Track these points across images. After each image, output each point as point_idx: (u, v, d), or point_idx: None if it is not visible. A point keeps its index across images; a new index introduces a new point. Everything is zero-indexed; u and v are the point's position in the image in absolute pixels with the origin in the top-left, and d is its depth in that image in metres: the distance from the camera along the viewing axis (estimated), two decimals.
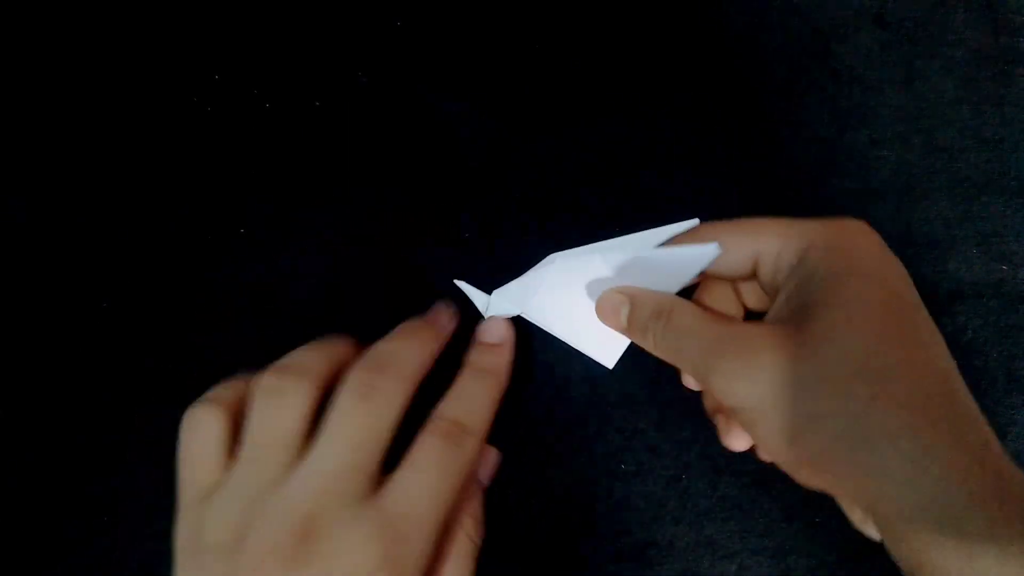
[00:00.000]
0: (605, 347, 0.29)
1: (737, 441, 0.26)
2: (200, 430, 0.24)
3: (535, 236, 0.30)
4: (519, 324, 0.30)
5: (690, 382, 0.28)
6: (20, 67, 0.33)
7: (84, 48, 0.33)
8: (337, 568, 0.20)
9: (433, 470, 0.23)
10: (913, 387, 0.19)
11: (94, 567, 0.29)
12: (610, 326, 0.27)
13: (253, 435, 0.23)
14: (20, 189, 0.32)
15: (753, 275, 0.24)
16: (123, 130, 0.32)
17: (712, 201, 0.32)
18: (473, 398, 0.25)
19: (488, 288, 0.30)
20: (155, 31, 0.33)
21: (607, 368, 0.30)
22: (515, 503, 0.28)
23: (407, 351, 0.25)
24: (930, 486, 0.18)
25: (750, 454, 0.26)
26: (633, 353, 0.30)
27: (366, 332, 0.26)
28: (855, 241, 0.22)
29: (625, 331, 0.27)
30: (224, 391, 0.24)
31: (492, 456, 0.27)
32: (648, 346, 0.25)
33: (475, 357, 0.27)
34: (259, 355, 0.26)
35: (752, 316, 0.27)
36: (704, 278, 0.28)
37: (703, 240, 0.24)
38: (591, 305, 0.29)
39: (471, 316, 0.29)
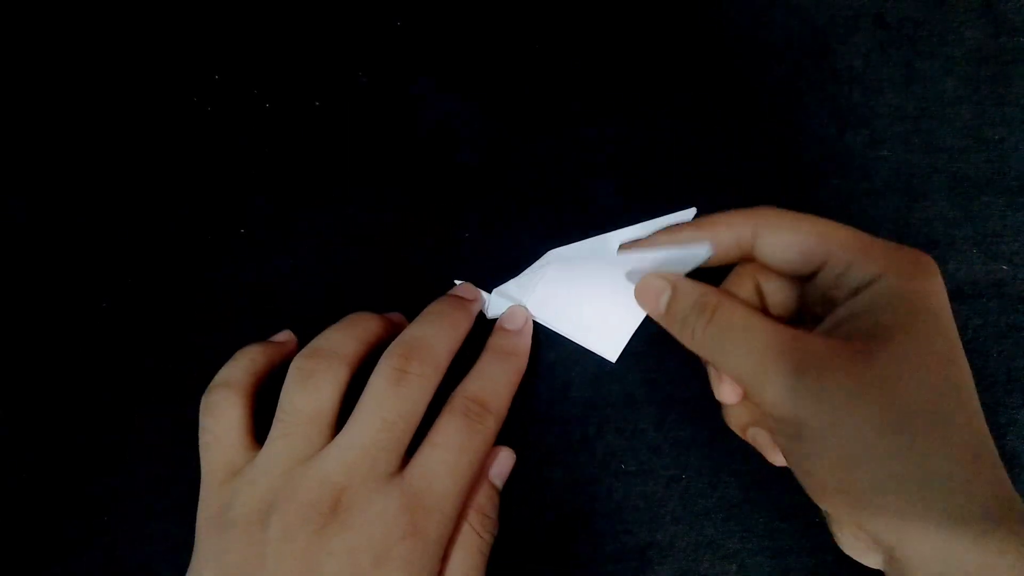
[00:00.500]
0: (607, 340, 0.29)
1: (728, 394, 0.26)
2: (220, 417, 0.24)
3: (535, 235, 0.30)
4: None
5: (725, 391, 0.26)
6: (20, 67, 0.33)
7: (84, 48, 0.33)
8: (365, 537, 0.22)
9: (454, 447, 0.24)
10: (968, 431, 0.20)
11: (94, 567, 0.29)
12: (648, 311, 0.27)
13: (285, 415, 0.24)
14: (20, 189, 0.32)
15: (808, 276, 0.24)
16: (123, 130, 0.32)
17: (712, 201, 0.32)
18: (494, 379, 0.26)
19: (488, 288, 0.30)
20: (155, 31, 0.33)
21: (610, 362, 0.30)
22: (515, 503, 0.28)
23: (438, 336, 0.25)
24: (961, 548, 0.19)
25: (751, 454, 0.26)
26: (634, 353, 0.30)
27: None
28: (928, 279, 0.22)
29: (663, 319, 0.26)
30: (237, 372, 0.25)
31: (506, 456, 0.27)
32: (686, 340, 0.25)
33: (496, 341, 0.28)
34: None
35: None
36: (738, 266, 0.27)
37: (791, 222, 0.24)
38: (591, 299, 0.29)
39: None
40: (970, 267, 0.31)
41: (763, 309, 0.26)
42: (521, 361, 0.28)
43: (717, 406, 0.27)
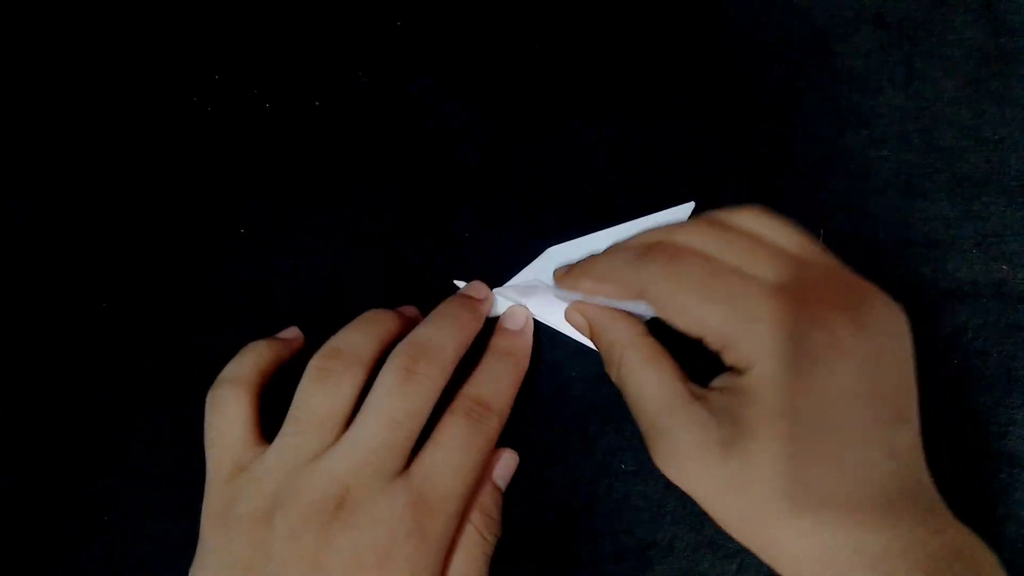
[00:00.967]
0: None
1: None
2: (226, 413, 0.25)
3: (535, 236, 0.30)
4: None
5: None
6: (20, 67, 0.33)
7: (84, 48, 0.33)
8: (370, 537, 0.22)
9: (457, 447, 0.24)
10: (812, 521, 0.20)
11: (94, 567, 0.29)
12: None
13: (300, 414, 0.24)
14: (20, 189, 0.32)
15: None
16: (123, 130, 0.32)
17: (712, 201, 0.32)
18: (496, 379, 0.26)
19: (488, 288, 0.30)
20: (155, 31, 0.33)
21: None
22: (515, 503, 0.28)
23: (446, 336, 0.25)
24: None
25: None
26: None
27: None
28: (811, 352, 0.21)
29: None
30: (243, 368, 0.25)
31: (509, 458, 0.27)
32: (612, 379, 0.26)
33: (498, 341, 0.28)
34: None
35: None
36: None
37: (664, 306, 0.23)
38: None
39: None
40: (970, 267, 0.31)
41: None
42: (522, 361, 0.28)
43: None
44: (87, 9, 0.33)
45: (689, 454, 0.22)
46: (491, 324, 0.29)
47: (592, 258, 0.26)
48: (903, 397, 0.21)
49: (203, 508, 0.24)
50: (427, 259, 0.31)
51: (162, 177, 0.32)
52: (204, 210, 0.31)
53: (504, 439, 0.27)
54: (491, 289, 0.30)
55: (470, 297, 0.28)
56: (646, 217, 0.27)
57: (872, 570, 0.20)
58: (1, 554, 0.29)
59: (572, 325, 0.27)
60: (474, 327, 0.27)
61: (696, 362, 0.24)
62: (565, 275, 0.26)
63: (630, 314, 0.25)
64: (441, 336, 0.25)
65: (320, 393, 0.24)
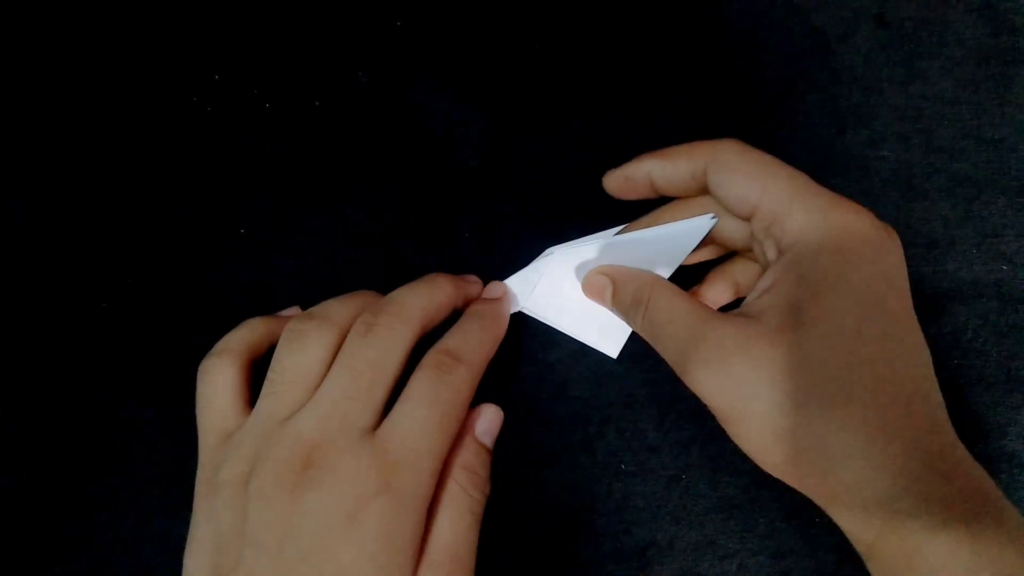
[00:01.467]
0: (608, 337, 0.29)
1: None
2: (214, 381, 0.25)
3: (535, 236, 0.30)
4: (520, 322, 0.30)
5: None
6: (20, 67, 0.33)
7: (84, 48, 0.33)
8: (336, 495, 0.21)
9: (425, 401, 0.23)
10: (873, 408, 0.20)
11: (94, 567, 0.29)
12: (599, 303, 0.28)
13: (273, 377, 0.24)
14: (20, 189, 0.32)
15: (745, 218, 0.24)
16: (123, 130, 0.32)
17: None
18: (467, 333, 0.26)
19: None
20: (155, 31, 0.33)
21: (611, 359, 0.30)
22: (515, 503, 0.28)
23: (413, 295, 0.26)
24: (880, 494, 0.20)
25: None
26: (634, 353, 0.30)
27: None
28: (850, 241, 0.22)
29: (613, 310, 0.27)
30: (235, 341, 0.26)
31: (492, 412, 0.27)
32: (634, 328, 0.26)
33: (473, 305, 0.28)
34: None
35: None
36: (715, 267, 0.28)
37: (738, 162, 0.24)
38: None
39: None
40: (970, 267, 0.31)
41: (737, 290, 0.28)
42: (498, 319, 0.28)
43: None
44: (87, 9, 0.33)
45: (734, 349, 0.21)
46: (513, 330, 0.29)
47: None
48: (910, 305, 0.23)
49: (196, 477, 0.24)
50: (427, 259, 0.31)
51: (162, 177, 0.32)
52: (204, 210, 0.31)
53: (505, 439, 0.26)
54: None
55: (456, 276, 0.28)
56: (657, 227, 0.27)
57: (929, 470, 0.20)
58: (1, 554, 0.29)
59: (592, 290, 0.27)
60: (450, 291, 0.27)
61: None
62: (614, 171, 0.27)
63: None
64: (408, 295, 0.26)
65: (292, 353, 0.24)
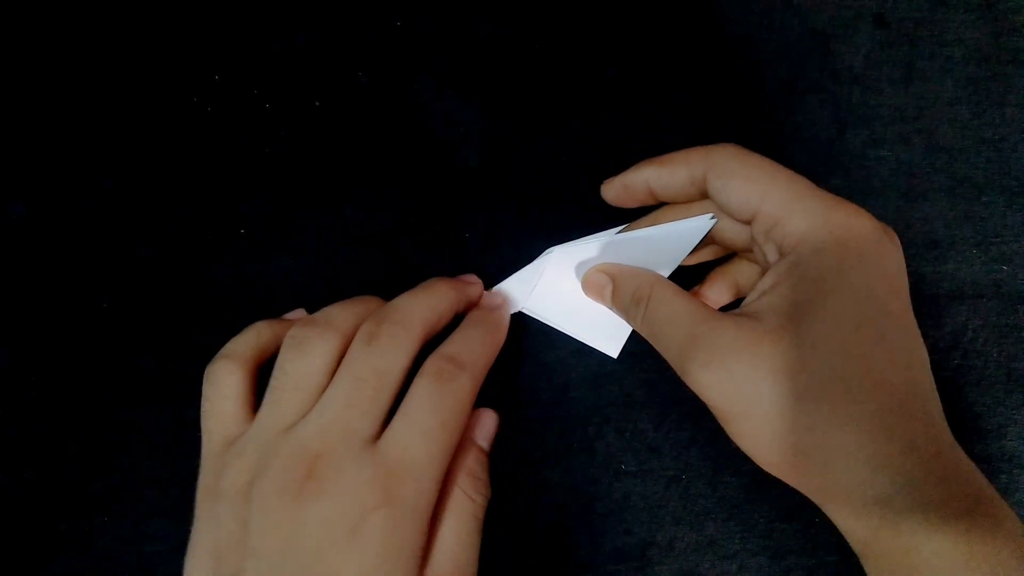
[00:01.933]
0: (608, 336, 0.29)
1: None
2: (219, 385, 0.25)
3: (535, 236, 0.30)
4: (520, 323, 0.30)
5: None
6: (20, 67, 0.33)
7: (84, 48, 0.33)
8: (338, 507, 0.21)
9: (425, 409, 0.23)
10: (871, 408, 0.20)
11: (94, 567, 0.29)
12: (598, 302, 0.28)
13: (276, 382, 0.24)
14: (20, 189, 0.32)
15: (746, 222, 0.24)
16: (123, 130, 0.32)
17: None
18: (468, 339, 0.26)
19: (488, 287, 0.30)
20: (155, 31, 0.33)
21: (611, 358, 0.30)
22: (515, 503, 0.28)
23: (415, 302, 0.25)
24: (877, 493, 0.20)
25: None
26: (634, 353, 0.30)
27: None
28: (850, 243, 0.22)
29: (612, 308, 0.27)
30: (241, 345, 0.25)
31: (489, 418, 0.27)
32: (634, 326, 0.26)
33: (472, 312, 0.28)
34: None
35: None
36: (716, 267, 0.28)
37: (737, 166, 0.24)
38: None
39: None
40: (970, 267, 0.31)
41: (738, 291, 0.28)
42: (498, 326, 0.28)
43: None
44: (87, 9, 0.33)
45: (734, 349, 0.21)
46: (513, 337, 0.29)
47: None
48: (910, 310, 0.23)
49: (198, 483, 0.24)
50: (427, 259, 0.31)
51: (162, 177, 0.32)
52: (204, 210, 0.31)
53: (505, 439, 0.27)
54: (491, 287, 0.30)
55: (454, 279, 0.28)
56: (662, 226, 0.27)
57: (925, 470, 0.20)
58: (1, 554, 0.29)
59: (591, 288, 0.27)
60: (452, 297, 0.27)
61: None
62: (611, 179, 0.27)
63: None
64: (411, 302, 0.25)
65: (293, 359, 0.24)
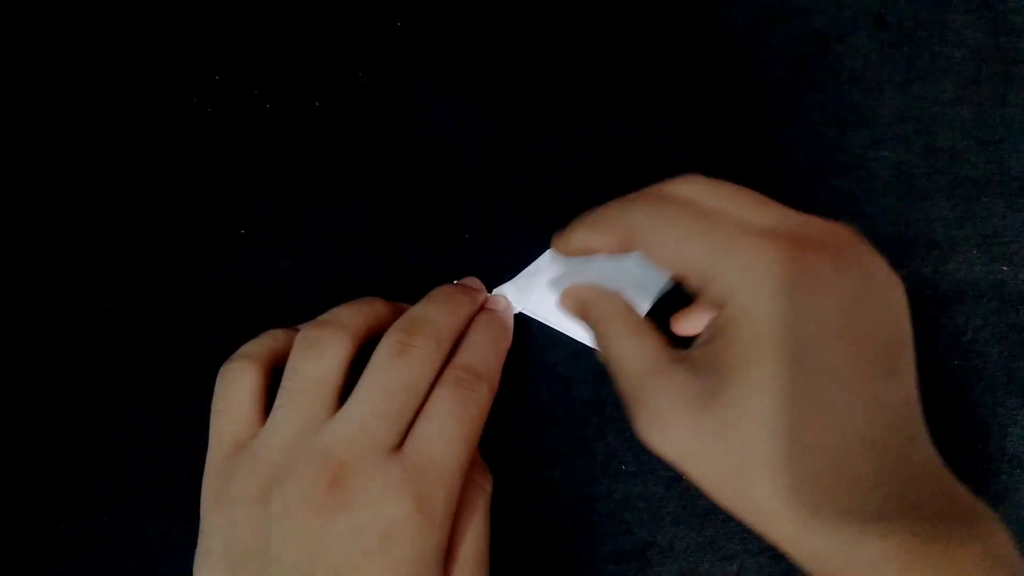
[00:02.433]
0: None
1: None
2: (234, 384, 0.24)
3: (535, 236, 0.30)
4: (521, 323, 0.30)
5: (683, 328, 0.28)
6: (20, 67, 0.33)
7: (84, 48, 0.33)
8: (369, 516, 0.21)
9: (450, 418, 0.23)
10: (800, 473, 0.19)
11: (94, 567, 0.29)
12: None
13: (289, 385, 0.24)
14: (20, 189, 0.32)
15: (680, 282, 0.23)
16: (123, 130, 0.32)
17: None
18: (482, 347, 0.26)
19: (488, 288, 0.30)
20: (155, 31, 0.33)
21: None
22: (515, 503, 0.28)
23: (442, 315, 0.25)
24: (811, 551, 0.19)
25: None
26: None
27: None
28: (780, 294, 0.20)
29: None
30: (258, 347, 0.25)
31: None
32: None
33: (479, 316, 0.28)
34: None
35: None
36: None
37: (652, 234, 0.22)
38: None
39: None
40: (970, 267, 0.31)
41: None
42: (507, 329, 0.28)
43: None
44: (87, 9, 0.33)
45: (670, 414, 0.21)
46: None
47: (584, 214, 0.25)
48: (893, 349, 0.20)
49: (203, 484, 0.24)
50: (427, 259, 0.31)
51: (162, 177, 0.32)
52: (204, 210, 0.31)
53: (505, 439, 0.27)
54: (492, 289, 0.30)
55: (464, 285, 0.29)
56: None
57: (861, 533, 0.19)
58: (1, 554, 0.29)
59: (567, 309, 0.27)
60: (469, 308, 0.27)
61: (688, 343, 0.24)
62: (559, 234, 0.25)
63: (618, 295, 0.25)
64: (436, 312, 0.25)
65: (307, 360, 0.24)
